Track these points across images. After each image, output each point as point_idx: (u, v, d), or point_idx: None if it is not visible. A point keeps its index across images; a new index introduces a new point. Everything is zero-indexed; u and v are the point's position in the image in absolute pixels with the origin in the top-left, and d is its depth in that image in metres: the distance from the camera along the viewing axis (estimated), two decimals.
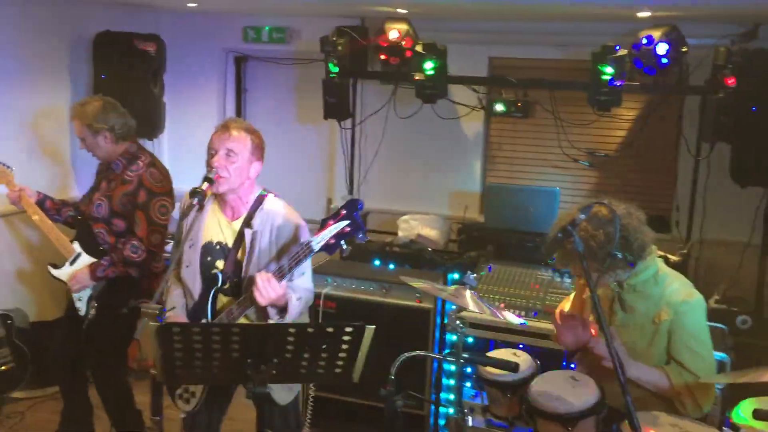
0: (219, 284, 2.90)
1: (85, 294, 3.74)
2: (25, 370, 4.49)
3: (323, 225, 2.64)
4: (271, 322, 2.78)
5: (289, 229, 2.89)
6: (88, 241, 3.75)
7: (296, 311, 2.83)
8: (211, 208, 2.98)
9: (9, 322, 4.51)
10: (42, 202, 3.90)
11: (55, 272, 3.80)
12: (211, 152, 2.86)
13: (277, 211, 2.92)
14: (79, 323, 3.77)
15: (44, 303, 5.08)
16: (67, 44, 5.48)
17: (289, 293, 2.78)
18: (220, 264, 2.93)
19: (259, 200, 2.94)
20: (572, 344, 2.76)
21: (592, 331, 2.69)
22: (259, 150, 2.92)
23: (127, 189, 3.63)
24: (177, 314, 2.97)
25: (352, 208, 2.63)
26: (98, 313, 3.73)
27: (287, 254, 2.77)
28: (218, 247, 2.95)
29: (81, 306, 3.75)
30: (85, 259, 3.73)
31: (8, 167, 3.87)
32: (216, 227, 2.96)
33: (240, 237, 2.91)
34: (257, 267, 2.85)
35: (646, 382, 2.64)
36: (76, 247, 3.76)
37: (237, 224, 2.93)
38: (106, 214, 3.67)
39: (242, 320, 2.85)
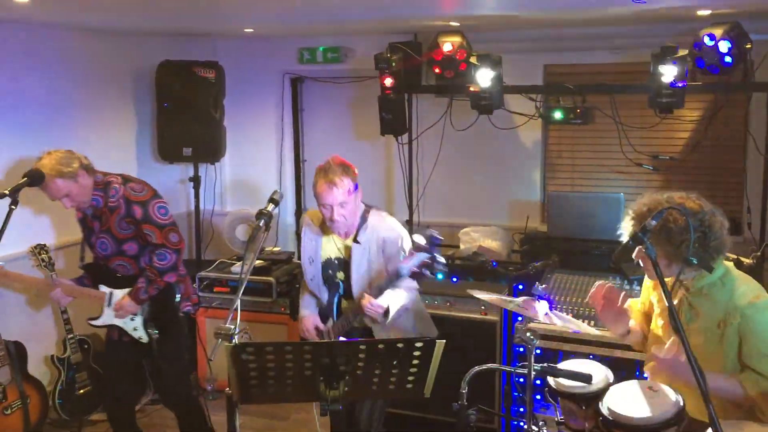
0: (341, 292, 3.43)
1: (138, 323, 3.76)
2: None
3: (410, 253, 3.00)
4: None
5: (393, 239, 3.34)
6: (109, 280, 3.77)
7: (398, 310, 3.24)
8: (325, 230, 3.41)
9: (86, 346, 4.67)
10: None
11: (98, 322, 3.80)
12: (326, 207, 3.23)
13: (380, 224, 3.34)
14: (130, 353, 3.83)
15: None
16: (130, 76, 5.69)
17: (387, 299, 3.21)
18: (340, 275, 3.41)
19: (364, 217, 3.35)
20: (611, 322, 2.87)
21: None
22: (356, 180, 3.25)
23: (120, 213, 3.62)
24: (310, 316, 3.48)
25: (431, 242, 2.98)
26: (161, 331, 3.76)
27: (387, 273, 3.23)
28: (336, 261, 3.42)
29: (141, 335, 3.78)
30: (119, 294, 3.75)
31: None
32: (332, 245, 3.43)
33: (351, 252, 3.34)
34: (369, 275, 3.34)
35: (717, 390, 2.51)
36: (104, 289, 3.77)
37: (349, 241, 3.36)
38: (115, 247, 3.68)
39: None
